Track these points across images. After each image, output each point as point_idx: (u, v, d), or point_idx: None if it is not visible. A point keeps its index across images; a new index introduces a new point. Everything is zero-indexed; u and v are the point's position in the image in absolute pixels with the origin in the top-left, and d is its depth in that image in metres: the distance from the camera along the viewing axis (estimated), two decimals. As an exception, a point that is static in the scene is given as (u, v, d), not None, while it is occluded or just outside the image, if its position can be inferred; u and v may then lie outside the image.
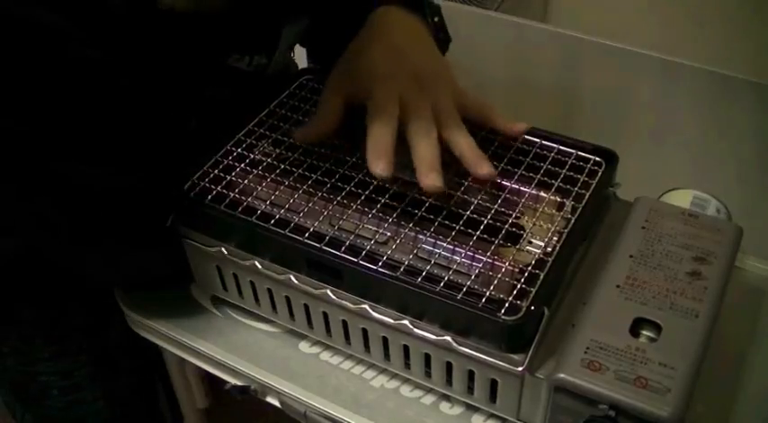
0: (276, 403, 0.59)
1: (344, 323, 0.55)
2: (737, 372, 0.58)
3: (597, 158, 0.57)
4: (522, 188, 0.56)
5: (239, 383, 0.60)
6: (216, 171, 0.58)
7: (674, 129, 0.95)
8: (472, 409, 0.56)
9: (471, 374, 0.51)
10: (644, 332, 0.49)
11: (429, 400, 0.57)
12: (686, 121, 0.95)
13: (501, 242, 0.52)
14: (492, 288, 0.49)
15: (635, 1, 1.34)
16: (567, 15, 1.39)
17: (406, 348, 0.53)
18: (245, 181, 0.58)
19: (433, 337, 0.50)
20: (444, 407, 0.56)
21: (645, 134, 0.95)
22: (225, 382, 0.62)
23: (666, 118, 0.95)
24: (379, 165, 0.53)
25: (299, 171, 0.58)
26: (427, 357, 0.53)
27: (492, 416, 0.55)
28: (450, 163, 0.56)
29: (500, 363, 0.49)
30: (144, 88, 0.55)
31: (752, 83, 0.88)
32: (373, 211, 0.55)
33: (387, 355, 0.55)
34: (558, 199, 0.56)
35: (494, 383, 0.51)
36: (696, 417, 0.50)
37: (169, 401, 0.79)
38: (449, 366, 0.52)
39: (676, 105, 0.94)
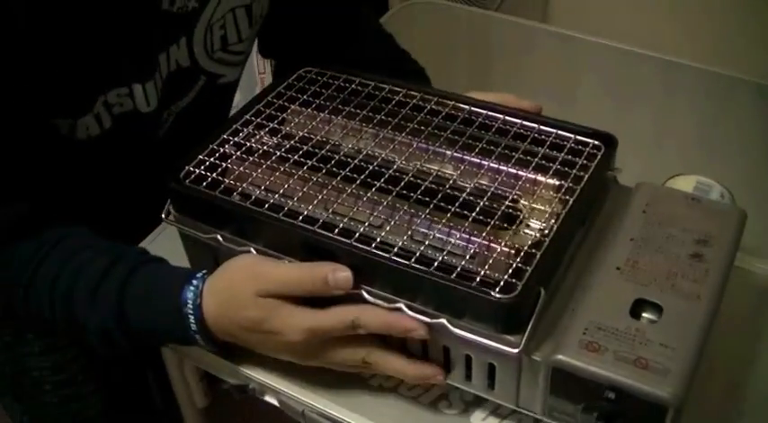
0: (274, 402, 0.59)
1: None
2: (740, 372, 0.57)
3: (596, 142, 0.57)
4: (519, 171, 0.56)
5: (238, 382, 0.60)
6: (211, 159, 0.58)
7: (674, 129, 0.95)
8: (470, 408, 0.55)
9: (468, 361, 0.50)
10: (645, 314, 0.48)
11: (427, 399, 0.56)
12: (686, 122, 0.94)
13: (498, 224, 0.52)
14: (487, 267, 0.48)
15: (635, 1, 1.35)
16: (567, 15, 1.40)
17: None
18: (241, 168, 0.57)
19: (428, 319, 0.49)
20: (443, 406, 0.56)
21: (644, 134, 0.94)
22: (224, 381, 0.61)
23: (666, 118, 0.95)
24: None
25: (295, 158, 0.58)
26: (424, 344, 0.52)
27: (490, 414, 0.54)
28: None
29: (496, 344, 0.47)
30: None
31: (752, 83, 0.88)
32: (368, 195, 0.54)
33: (383, 344, 0.54)
34: (557, 182, 0.55)
35: (491, 368, 0.50)
36: (697, 416, 0.48)
37: (162, 394, 0.78)
38: (446, 352, 0.51)
39: (676, 105, 0.94)
